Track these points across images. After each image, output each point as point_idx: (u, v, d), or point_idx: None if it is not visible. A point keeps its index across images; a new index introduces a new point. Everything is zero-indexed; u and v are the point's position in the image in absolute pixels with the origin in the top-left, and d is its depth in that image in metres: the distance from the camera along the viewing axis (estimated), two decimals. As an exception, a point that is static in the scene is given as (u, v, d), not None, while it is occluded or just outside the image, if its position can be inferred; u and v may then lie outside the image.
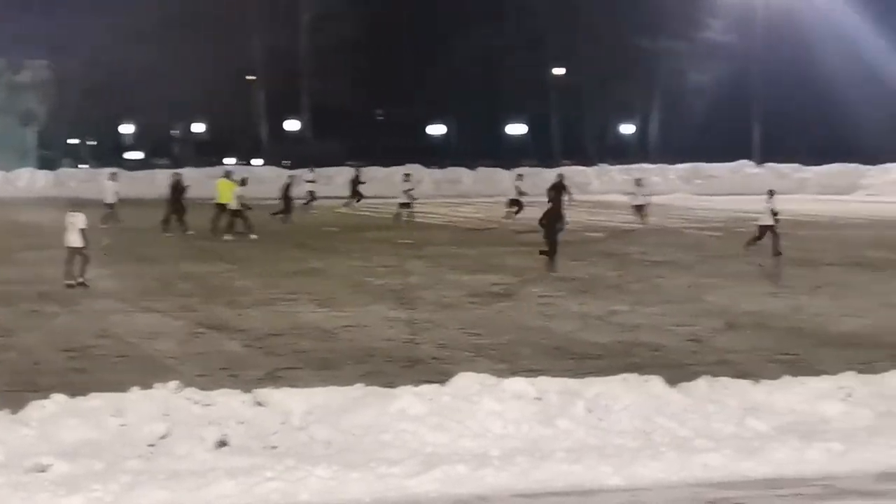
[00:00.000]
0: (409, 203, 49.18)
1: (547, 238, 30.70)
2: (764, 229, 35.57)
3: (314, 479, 11.41)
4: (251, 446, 12.33)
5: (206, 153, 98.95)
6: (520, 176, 52.36)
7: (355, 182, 61.39)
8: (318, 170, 63.36)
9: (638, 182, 50.40)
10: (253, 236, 40.04)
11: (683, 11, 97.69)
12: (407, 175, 53.09)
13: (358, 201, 59.69)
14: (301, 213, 50.50)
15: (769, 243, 34.31)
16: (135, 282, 28.50)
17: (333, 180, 69.98)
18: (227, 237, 40.10)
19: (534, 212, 36.42)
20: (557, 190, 34.11)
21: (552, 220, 30.95)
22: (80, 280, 26.96)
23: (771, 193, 36.73)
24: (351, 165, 76.50)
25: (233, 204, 41.06)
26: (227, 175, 44.31)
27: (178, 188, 43.37)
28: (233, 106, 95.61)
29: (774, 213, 35.45)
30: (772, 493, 11.40)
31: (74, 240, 27.16)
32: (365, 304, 24.27)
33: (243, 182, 42.48)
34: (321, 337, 20.45)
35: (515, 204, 48.88)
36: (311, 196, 56.84)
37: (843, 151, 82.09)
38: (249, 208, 41.25)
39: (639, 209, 47.99)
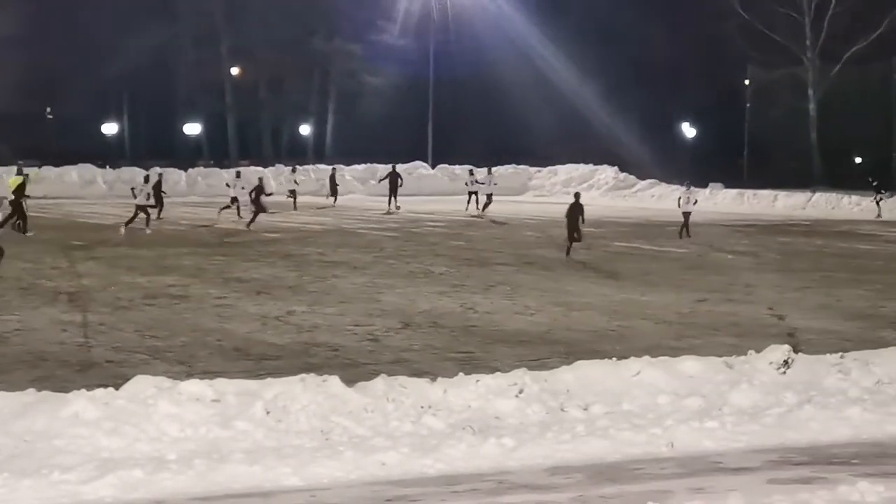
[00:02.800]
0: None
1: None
2: (686, 215, 43.29)
3: (-17, 489, 11.03)
4: (-85, 456, 11.83)
5: None
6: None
7: (332, 181, 66.15)
8: None
9: (471, 172, 59.81)
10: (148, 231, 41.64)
11: (359, 14, 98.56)
12: (238, 177, 54.58)
13: (335, 202, 63.52)
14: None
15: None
16: None
17: (2, 180, 67.80)
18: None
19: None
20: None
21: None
22: None
23: (688, 185, 45.92)
24: (20, 165, 74.04)
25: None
26: (19, 171, 45.25)
27: None
28: None
29: (695, 202, 44.35)
30: (448, 489, 11.58)
31: None
32: (36, 307, 23.57)
33: (148, 179, 45.17)
34: (-11, 341, 19.77)
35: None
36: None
37: (514, 154, 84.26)
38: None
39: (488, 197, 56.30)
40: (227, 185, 54.47)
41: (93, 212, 51.45)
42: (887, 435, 13.93)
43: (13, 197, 41.33)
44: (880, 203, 60.39)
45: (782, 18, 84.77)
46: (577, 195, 37.61)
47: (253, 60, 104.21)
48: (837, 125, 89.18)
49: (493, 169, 64.93)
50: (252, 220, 44.98)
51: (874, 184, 61.44)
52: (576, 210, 36.04)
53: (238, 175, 54.87)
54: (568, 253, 35.66)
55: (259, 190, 46.05)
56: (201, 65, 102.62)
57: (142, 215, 42.65)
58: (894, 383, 15.64)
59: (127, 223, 42.35)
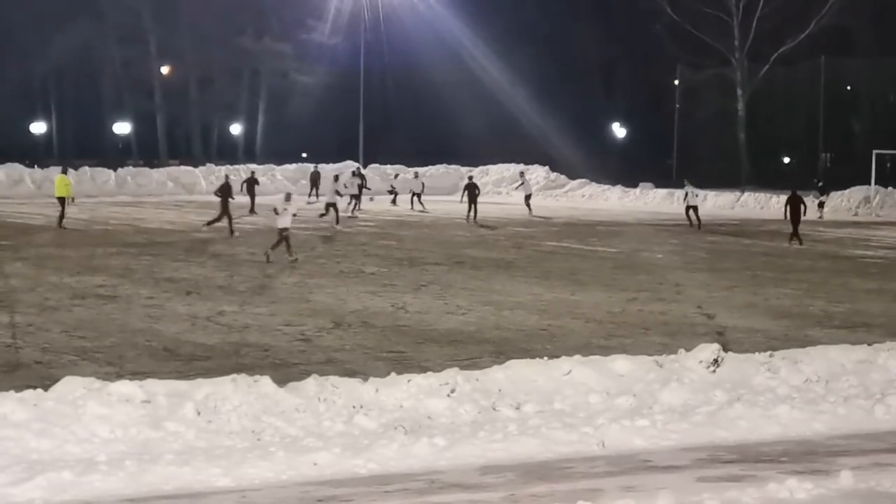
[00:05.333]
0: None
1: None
2: (690, 208, 49.14)
3: None
4: None
5: None
6: None
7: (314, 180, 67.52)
8: None
9: (522, 174, 62.55)
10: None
11: (288, 13, 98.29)
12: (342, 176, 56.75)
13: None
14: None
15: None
16: None
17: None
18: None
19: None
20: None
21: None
22: (292, 258, 31.96)
23: (688, 183, 50.93)
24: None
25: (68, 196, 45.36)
26: (64, 171, 48.44)
27: None
28: None
29: (697, 196, 50.66)
30: (379, 489, 11.58)
31: (285, 222, 32.03)
32: (-38, 308, 23.32)
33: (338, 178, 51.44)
34: (-85, 343, 19.52)
35: None
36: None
37: (445, 154, 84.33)
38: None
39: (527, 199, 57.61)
40: (346, 185, 56.78)
41: (20, 212, 50.94)
42: (815, 433, 14.08)
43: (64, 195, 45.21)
44: (822, 206, 59.30)
45: (711, 19, 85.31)
46: (793, 190, 42.89)
47: (182, 59, 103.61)
48: (765, 125, 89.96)
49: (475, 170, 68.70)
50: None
51: (819, 185, 60.87)
52: (797, 200, 41.73)
53: (354, 174, 59.21)
54: (790, 241, 40.81)
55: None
56: (130, 64, 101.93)
57: (332, 212, 47.41)
58: (822, 381, 15.80)
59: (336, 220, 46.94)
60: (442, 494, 11.48)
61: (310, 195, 64.18)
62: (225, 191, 42.69)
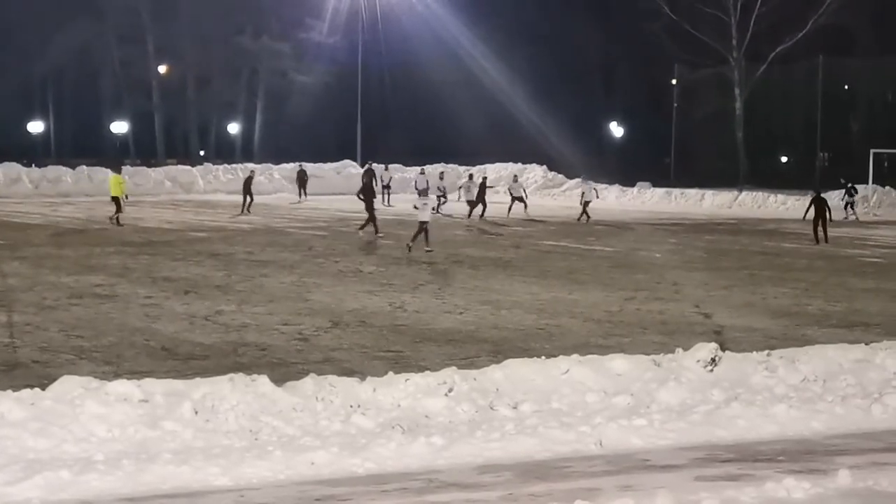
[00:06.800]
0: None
1: None
2: (586, 203, 52.54)
3: None
4: None
5: None
6: None
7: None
8: None
9: (515, 178, 60.80)
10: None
11: (286, 12, 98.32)
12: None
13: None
14: None
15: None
16: None
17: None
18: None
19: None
20: None
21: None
22: (428, 248, 35.37)
23: (585, 179, 56.39)
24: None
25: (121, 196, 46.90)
26: (118, 170, 49.82)
27: None
28: None
29: (592, 192, 54.53)
30: (377, 488, 11.56)
31: (425, 216, 36.30)
32: (-40, 307, 23.32)
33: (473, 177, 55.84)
34: (-88, 342, 19.51)
35: None
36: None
37: (444, 153, 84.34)
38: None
39: (520, 201, 56.81)
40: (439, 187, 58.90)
41: (18, 211, 50.90)
42: (813, 432, 14.07)
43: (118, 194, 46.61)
44: (854, 206, 57.21)
45: (709, 18, 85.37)
46: (818, 192, 43.07)
47: (180, 58, 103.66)
48: (763, 124, 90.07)
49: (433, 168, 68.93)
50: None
51: (848, 185, 58.24)
52: (822, 204, 41.80)
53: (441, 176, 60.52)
54: (819, 242, 41.20)
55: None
56: (128, 63, 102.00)
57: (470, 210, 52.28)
58: (820, 381, 15.80)
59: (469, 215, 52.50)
60: (439, 494, 11.47)
61: (299, 195, 64.68)
62: (367, 191, 43.20)
